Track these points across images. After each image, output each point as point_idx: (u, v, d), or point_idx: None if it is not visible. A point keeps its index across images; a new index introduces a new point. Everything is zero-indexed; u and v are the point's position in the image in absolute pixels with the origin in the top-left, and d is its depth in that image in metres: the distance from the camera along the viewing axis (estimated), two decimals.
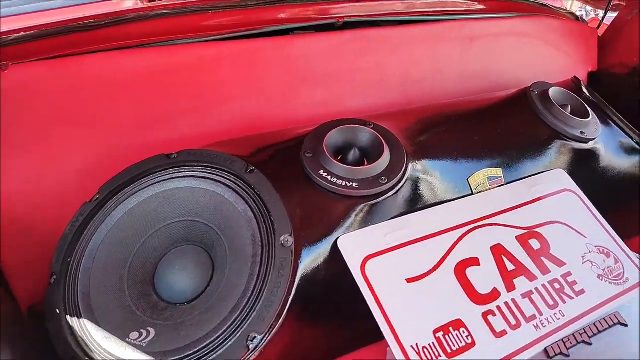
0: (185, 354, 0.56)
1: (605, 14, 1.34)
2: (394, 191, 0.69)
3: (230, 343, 0.55)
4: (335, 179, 0.66)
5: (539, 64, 1.22)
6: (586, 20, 1.45)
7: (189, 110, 0.78)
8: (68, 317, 0.60)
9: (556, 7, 1.37)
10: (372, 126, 0.75)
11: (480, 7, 1.19)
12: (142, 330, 0.60)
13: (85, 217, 0.66)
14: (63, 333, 0.59)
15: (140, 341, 0.58)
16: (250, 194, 0.64)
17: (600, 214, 0.82)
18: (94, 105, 0.72)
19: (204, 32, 0.87)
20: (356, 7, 0.97)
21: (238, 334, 0.55)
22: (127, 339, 0.59)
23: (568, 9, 1.49)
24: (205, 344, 0.56)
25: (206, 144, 0.73)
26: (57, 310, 0.60)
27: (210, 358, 0.55)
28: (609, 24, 1.37)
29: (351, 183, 0.66)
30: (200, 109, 0.79)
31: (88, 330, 0.59)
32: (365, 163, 0.71)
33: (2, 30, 0.74)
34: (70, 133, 0.72)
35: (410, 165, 0.72)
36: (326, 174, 0.67)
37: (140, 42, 0.79)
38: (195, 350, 0.56)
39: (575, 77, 1.11)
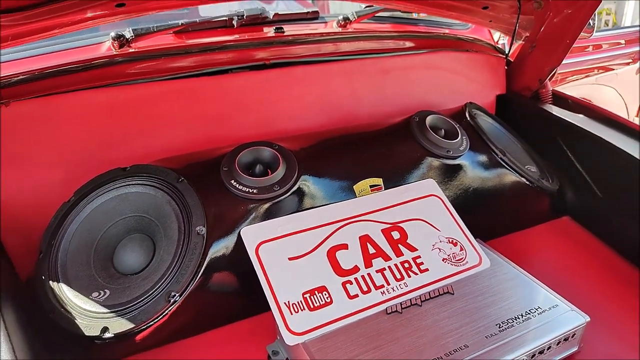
0: (127, 306, 0.82)
1: (511, 45, 1.59)
2: (286, 195, 0.95)
3: (156, 297, 0.82)
4: (242, 187, 0.93)
5: (448, 90, 1.47)
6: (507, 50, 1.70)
7: (143, 133, 1.04)
8: (50, 282, 0.86)
9: (471, 40, 1.62)
10: (277, 147, 1.01)
11: (398, 45, 1.45)
12: (100, 291, 0.86)
13: (64, 213, 0.93)
14: (46, 293, 0.86)
15: (98, 298, 0.85)
16: (179, 197, 0.91)
17: (463, 215, 1.07)
18: (72, 132, 0.99)
19: (162, 73, 1.14)
20: (282, 50, 1.24)
21: (162, 292, 0.82)
22: (90, 297, 0.85)
23: (495, 40, 1.75)
24: (141, 300, 0.83)
25: (155, 160, 1.00)
26: (43, 277, 0.87)
27: (143, 307, 0.81)
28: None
29: (253, 190, 0.93)
30: (152, 133, 1.05)
31: (63, 291, 0.85)
32: (269, 174, 0.98)
33: (3, 75, 1.01)
34: (55, 153, 0.99)
35: (302, 177, 0.98)
36: (235, 183, 0.93)
37: (108, 82, 1.06)
38: (134, 303, 0.83)
39: (468, 103, 1.36)
